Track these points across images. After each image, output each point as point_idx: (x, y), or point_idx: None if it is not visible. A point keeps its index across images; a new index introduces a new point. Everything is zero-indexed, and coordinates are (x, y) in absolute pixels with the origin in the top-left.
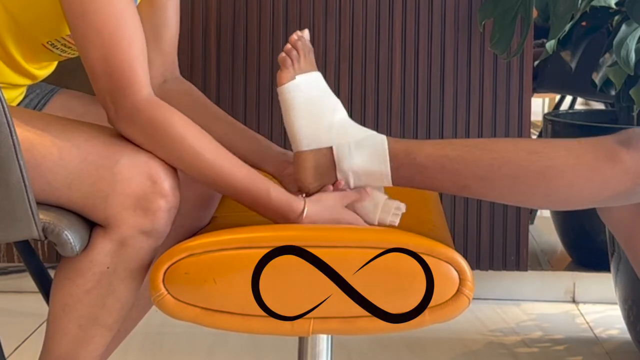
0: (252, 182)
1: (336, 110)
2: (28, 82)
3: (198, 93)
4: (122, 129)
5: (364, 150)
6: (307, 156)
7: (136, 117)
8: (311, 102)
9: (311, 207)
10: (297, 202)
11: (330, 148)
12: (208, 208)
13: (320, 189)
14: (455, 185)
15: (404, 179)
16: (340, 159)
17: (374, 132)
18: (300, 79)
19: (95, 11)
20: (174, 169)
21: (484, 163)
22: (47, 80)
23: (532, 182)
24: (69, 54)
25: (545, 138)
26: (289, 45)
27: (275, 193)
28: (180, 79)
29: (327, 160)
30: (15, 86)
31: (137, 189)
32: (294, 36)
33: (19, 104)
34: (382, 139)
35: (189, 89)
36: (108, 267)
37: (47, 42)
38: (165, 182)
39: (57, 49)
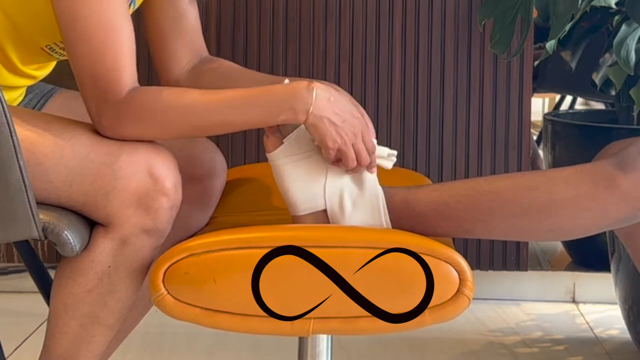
0: (251, 90)
1: (328, 167)
2: (28, 82)
3: (226, 65)
4: (108, 133)
5: (361, 207)
6: (305, 220)
7: (121, 117)
8: (302, 165)
9: (320, 85)
10: (302, 81)
11: (325, 210)
12: (207, 208)
13: None
14: (458, 230)
15: (405, 228)
16: (338, 219)
17: (369, 184)
18: (288, 143)
19: (86, 18)
20: (175, 167)
21: (484, 206)
22: (47, 80)
23: (535, 219)
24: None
25: (543, 170)
26: None
27: (278, 85)
28: (208, 59)
29: (325, 221)
30: (15, 88)
31: (139, 186)
32: None
33: (18, 105)
34: (378, 193)
35: (216, 66)
36: (109, 266)
37: (46, 46)
38: (167, 180)
39: (56, 52)
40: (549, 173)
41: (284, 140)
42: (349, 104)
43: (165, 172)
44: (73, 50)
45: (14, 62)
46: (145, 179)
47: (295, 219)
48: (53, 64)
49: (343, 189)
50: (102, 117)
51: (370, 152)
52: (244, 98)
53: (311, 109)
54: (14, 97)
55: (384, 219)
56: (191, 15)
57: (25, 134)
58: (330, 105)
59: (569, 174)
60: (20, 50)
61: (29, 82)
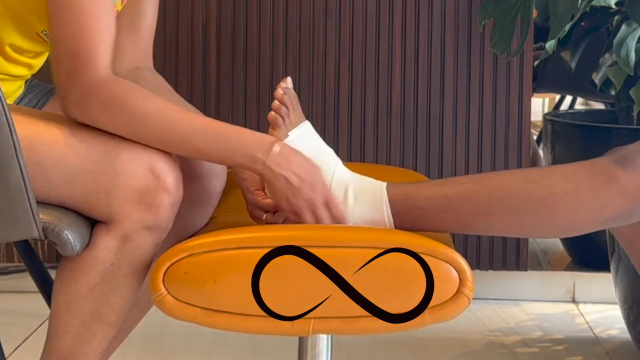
0: (223, 125)
1: (330, 162)
2: (25, 71)
3: (167, 87)
4: (74, 111)
5: (363, 201)
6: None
7: (92, 95)
8: None
9: (287, 146)
10: (268, 136)
11: None
12: (207, 208)
13: None
14: (457, 224)
15: (406, 223)
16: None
17: (372, 180)
18: (294, 136)
19: None
20: (176, 164)
21: (483, 198)
22: (47, 79)
23: (533, 212)
24: None
25: (542, 167)
26: (276, 103)
27: (246, 131)
28: (152, 70)
29: None
30: (13, 78)
31: (140, 183)
32: (280, 90)
33: (18, 103)
34: (380, 187)
35: (160, 82)
36: (112, 264)
37: (42, 32)
38: (168, 176)
39: None
40: (549, 168)
41: (289, 134)
42: (315, 174)
43: (166, 168)
44: (56, 21)
45: (8, 50)
46: (147, 176)
47: None
48: (47, 54)
49: (348, 184)
50: (71, 91)
51: (339, 222)
52: (213, 128)
53: (268, 163)
54: (13, 89)
55: (386, 213)
56: (149, 17)
57: (25, 132)
58: (290, 165)
59: (569, 169)
60: (17, 36)
61: (26, 72)
